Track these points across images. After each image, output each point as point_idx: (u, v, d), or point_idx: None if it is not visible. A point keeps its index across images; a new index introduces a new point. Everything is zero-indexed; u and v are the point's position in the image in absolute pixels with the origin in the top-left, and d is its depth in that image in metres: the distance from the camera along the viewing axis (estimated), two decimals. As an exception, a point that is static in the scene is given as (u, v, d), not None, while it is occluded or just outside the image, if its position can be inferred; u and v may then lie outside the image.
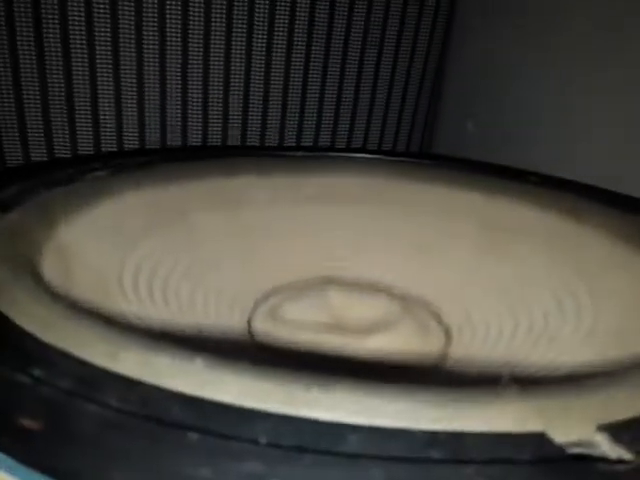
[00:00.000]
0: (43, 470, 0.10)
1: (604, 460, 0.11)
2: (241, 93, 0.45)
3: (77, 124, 0.42)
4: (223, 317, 0.27)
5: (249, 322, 0.28)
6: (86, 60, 0.40)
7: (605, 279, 0.25)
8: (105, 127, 0.43)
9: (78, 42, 0.40)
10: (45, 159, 0.41)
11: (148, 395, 0.11)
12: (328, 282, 0.32)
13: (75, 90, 0.41)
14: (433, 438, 0.11)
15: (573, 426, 0.12)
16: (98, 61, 0.41)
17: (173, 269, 0.27)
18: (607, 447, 0.11)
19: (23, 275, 0.17)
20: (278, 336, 0.26)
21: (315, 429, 0.11)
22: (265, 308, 0.29)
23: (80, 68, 0.41)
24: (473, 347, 0.25)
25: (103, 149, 0.44)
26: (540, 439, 0.11)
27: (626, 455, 0.11)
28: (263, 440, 0.10)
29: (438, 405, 0.12)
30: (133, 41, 0.41)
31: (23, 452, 0.10)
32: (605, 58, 0.40)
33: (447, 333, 0.27)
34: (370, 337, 0.27)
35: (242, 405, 0.11)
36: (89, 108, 0.42)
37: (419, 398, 0.12)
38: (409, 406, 0.12)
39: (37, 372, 0.12)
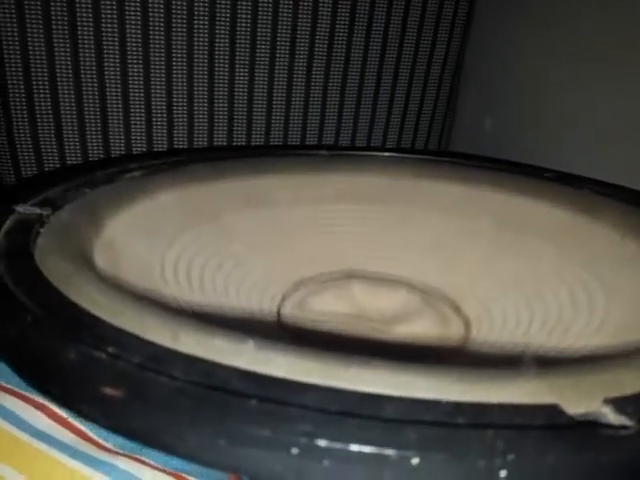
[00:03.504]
0: (124, 431, 0.12)
1: (609, 426, 0.12)
2: (265, 94, 0.47)
3: (109, 126, 0.44)
4: (254, 307, 0.28)
5: (278, 312, 0.29)
6: (118, 63, 0.42)
7: (617, 274, 0.26)
8: (135, 129, 0.45)
9: (110, 42, 0.42)
10: (79, 161, 0.44)
11: (209, 369, 0.13)
12: (351, 276, 0.34)
13: (108, 96, 0.43)
14: (458, 407, 0.12)
15: (582, 400, 0.13)
16: (129, 66, 0.43)
17: (207, 262, 0.29)
18: (612, 416, 0.13)
19: (83, 268, 0.19)
20: (306, 324, 0.28)
21: (357, 398, 0.12)
22: (292, 299, 0.31)
23: (113, 75, 0.43)
24: (492, 335, 0.26)
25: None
26: (552, 409, 0.13)
27: (628, 422, 0.12)
28: (312, 406, 0.12)
29: (462, 380, 0.13)
30: (163, 46, 0.43)
31: (106, 417, 0.12)
32: (630, 57, 0.40)
33: (466, 323, 0.29)
34: (392, 326, 0.28)
35: (291, 379, 0.13)
36: (121, 112, 0.44)
37: (444, 374, 0.14)
38: (437, 381, 0.13)
39: (111, 349, 0.14)
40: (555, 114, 0.47)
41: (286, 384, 0.13)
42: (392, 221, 0.36)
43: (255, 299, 0.29)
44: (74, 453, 0.24)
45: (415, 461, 0.11)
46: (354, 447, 0.11)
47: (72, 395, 0.12)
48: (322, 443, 0.11)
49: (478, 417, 0.12)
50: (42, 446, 0.23)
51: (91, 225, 0.25)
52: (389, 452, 0.11)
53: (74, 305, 0.16)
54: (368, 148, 0.51)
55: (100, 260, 0.22)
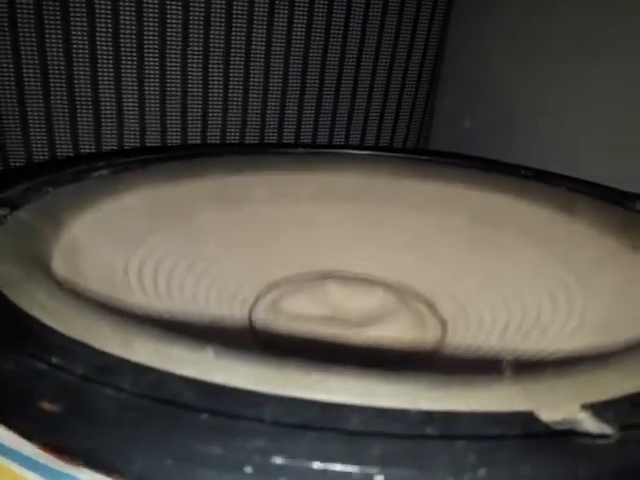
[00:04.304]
0: (63, 450, 0.11)
1: (587, 435, 0.11)
2: (240, 90, 0.46)
3: (79, 123, 0.42)
4: (225, 310, 0.27)
5: (250, 315, 0.28)
6: (87, 58, 0.41)
7: (595, 272, 0.26)
8: (106, 125, 0.43)
9: (80, 41, 0.40)
10: (47, 158, 0.42)
11: (160, 380, 0.12)
12: (326, 276, 0.33)
13: (76, 89, 0.42)
14: (428, 417, 0.12)
15: (559, 406, 0.12)
16: (99, 58, 0.41)
17: (176, 265, 0.28)
18: (590, 423, 0.12)
19: (35, 270, 0.18)
20: (279, 328, 0.27)
21: (316, 409, 0.11)
22: (266, 301, 0.30)
23: (82, 66, 0.41)
24: (468, 337, 0.26)
25: (104, 147, 0.44)
26: (527, 417, 0.12)
27: (607, 430, 0.11)
28: (269, 419, 0.11)
29: (433, 388, 0.13)
30: (134, 38, 0.42)
31: (44, 433, 0.11)
32: (603, 53, 0.40)
33: (442, 324, 0.28)
34: (368, 328, 0.27)
35: (248, 389, 0.12)
36: (90, 106, 0.43)
37: (415, 381, 0.13)
38: (406, 388, 0.12)
39: (55, 360, 0.12)
40: (534, 113, 0.46)
41: (242, 395, 0.12)
42: (369, 220, 0.36)
43: (226, 303, 0.28)
44: (34, 466, 0.23)
45: (379, 478, 0.10)
46: (313, 464, 0.10)
47: (6, 410, 0.11)
48: (278, 460, 0.10)
49: (448, 428, 0.11)
50: (-1, 459, 0.22)
51: (51, 227, 0.23)
52: (350, 469, 0.10)
53: (19, 311, 0.14)
54: (345, 146, 0.50)
55: (59, 264, 0.21)
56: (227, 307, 0.28)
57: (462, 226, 0.33)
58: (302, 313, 0.29)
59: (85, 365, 0.12)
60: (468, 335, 0.26)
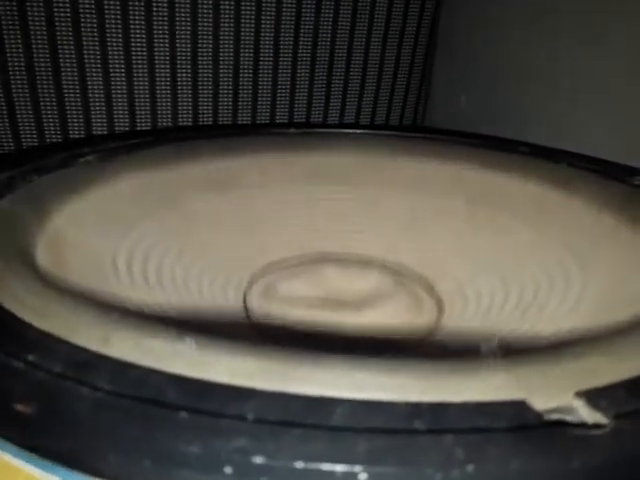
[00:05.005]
0: (39, 452, 0.11)
1: (580, 425, 0.11)
2: (231, 70, 0.45)
3: (67, 107, 0.41)
4: (218, 297, 0.27)
5: (244, 300, 0.28)
6: (72, 44, 0.40)
7: (593, 250, 0.25)
8: (95, 109, 0.43)
9: (64, 25, 0.39)
10: (36, 144, 0.41)
11: (139, 377, 0.12)
12: (322, 258, 0.32)
13: (63, 74, 0.41)
14: (416, 409, 0.11)
15: (553, 393, 0.12)
16: (85, 44, 0.40)
17: (167, 252, 0.27)
18: (584, 412, 0.11)
19: (15, 262, 0.17)
20: (273, 313, 0.26)
21: (302, 404, 0.11)
22: (260, 285, 0.29)
23: (67, 52, 0.40)
24: (465, 317, 0.25)
25: (94, 132, 0.44)
26: (519, 407, 0.11)
27: (602, 420, 0.11)
28: (251, 416, 0.11)
29: (422, 377, 0.12)
30: (120, 24, 0.41)
31: (19, 435, 0.11)
32: (608, 29, 0.39)
33: (439, 304, 0.27)
34: (364, 310, 0.27)
35: (232, 383, 0.12)
36: (79, 91, 0.42)
37: (404, 371, 0.12)
38: (394, 379, 0.12)
39: (31, 357, 0.12)
40: (531, 87, 0.45)
41: (224, 391, 0.11)
42: (365, 200, 0.35)
43: (219, 289, 0.28)
44: (29, 457, 0.22)
45: (363, 476, 0.09)
46: (295, 464, 0.10)
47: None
48: (259, 460, 0.10)
49: (437, 421, 0.11)
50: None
51: (35, 216, 0.23)
52: (334, 468, 0.09)
53: (-5, 306, 0.14)
54: (340, 125, 0.49)
55: (44, 255, 0.21)
56: (221, 293, 0.28)
57: (460, 206, 0.33)
58: (297, 296, 0.29)
59: (62, 363, 0.12)
60: (465, 315, 0.26)
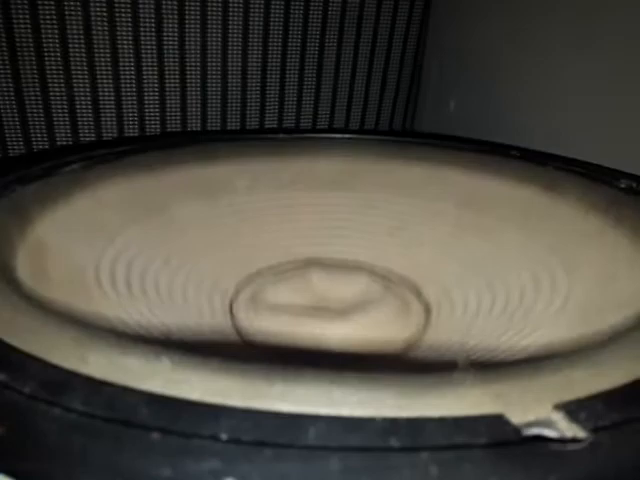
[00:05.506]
0: (7, 473, 0.10)
1: (559, 440, 0.11)
2: (219, 76, 0.45)
3: (54, 114, 0.41)
4: (204, 304, 0.27)
5: (230, 307, 0.28)
6: (58, 50, 0.40)
7: (579, 252, 0.25)
8: (82, 115, 0.42)
9: (50, 31, 0.39)
10: (22, 151, 0.41)
11: (113, 396, 0.11)
12: (309, 264, 0.32)
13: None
14: (393, 425, 0.11)
15: (531, 407, 0.12)
16: (70, 49, 0.40)
17: (152, 260, 0.27)
18: (563, 425, 0.11)
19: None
20: (259, 323, 0.26)
21: (276, 423, 0.11)
22: (247, 293, 0.29)
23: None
24: (452, 323, 0.25)
25: (81, 138, 0.43)
26: (497, 421, 0.11)
27: (580, 433, 0.11)
28: (224, 436, 0.10)
29: (399, 393, 0.12)
30: (107, 29, 0.40)
31: (-11, 457, 0.11)
32: (598, 32, 0.39)
33: (427, 309, 0.27)
34: (352, 316, 0.27)
35: (204, 401, 0.11)
36: (65, 98, 0.41)
37: (381, 387, 0.12)
38: (370, 395, 0.12)
39: (2, 377, 0.12)
40: (521, 90, 0.45)
41: (198, 410, 0.11)
42: (353, 205, 0.35)
43: (205, 297, 0.27)
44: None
45: (336, 497, 0.09)
46: (266, 485, 0.09)
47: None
48: (230, 482, 0.09)
49: (412, 438, 0.11)
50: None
51: (16, 225, 0.22)
52: (306, 489, 0.09)
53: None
54: (329, 130, 0.49)
55: (24, 265, 0.20)
56: (206, 302, 0.27)
57: (448, 210, 0.33)
58: (284, 304, 0.29)
59: (34, 382, 0.12)
60: (452, 321, 0.26)
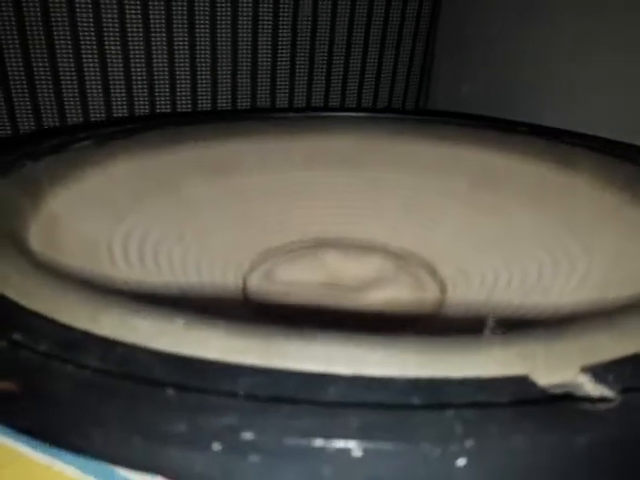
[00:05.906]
0: (23, 431, 0.10)
1: (586, 399, 0.10)
2: (229, 55, 0.44)
3: (64, 94, 0.41)
4: (217, 281, 0.27)
5: (244, 284, 0.28)
6: (69, 31, 0.39)
7: (596, 229, 0.25)
8: (92, 95, 0.42)
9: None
10: (33, 130, 0.41)
11: (127, 354, 0.11)
12: (323, 243, 0.32)
13: (59, 60, 0.40)
14: (413, 384, 0.11)
15: (557, 369, 0.12)
16: (80, 30, 0.40)
17: (165, 236, 0.27)
18: (590, 387, 0.11)
19: (4, 243, 0.17)
20: (273, 295, 0.26)
21: (294, 380, 0.11)
22: (260, 270, 0.29)
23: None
24: (468, 298, 0.25)
25: (92, 118, 0.43)
26: (522, 382, 0.11)
27: (608, 393, 0.11)
28: (241, 392, 0.10)
29: (421, 353, 0.12)
30: (116, 10, 0.40)
31: (3, 414, 0.10)
32: (611, 8, 0.38)
33: (442, 287, 0.27)
34: (366, 293, 0.27)
35: (222, 360, 0.11)
36: (75, 77, 0.41)
37: (403, 346, 0.12)
38: (392, 354, 0.12)
39: (16, 336, 0.12)
40: (535, 68, 0.45)
41: (213, 367, 0.11)
42: (366, 184, 0.35)
43: (218, 273, 0.27)
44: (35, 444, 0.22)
45: (357, 453, 0.09)
46: (285, 440, 0.09)
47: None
48: (247, 436, 0.09)
49: (435, 396, 0.10)
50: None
51: (28, 200, 0.22)
52: (326, 444, 0.09)
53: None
54: (341, 109, 0.48)
55: (37, 238, 0.20)
56: (220, 276, 0.27)
57: (461, 188, 0.32)
58: (297, 280, 0.29)
59: (48, 341, 0.12)
60: (468, 296, 0.25)
